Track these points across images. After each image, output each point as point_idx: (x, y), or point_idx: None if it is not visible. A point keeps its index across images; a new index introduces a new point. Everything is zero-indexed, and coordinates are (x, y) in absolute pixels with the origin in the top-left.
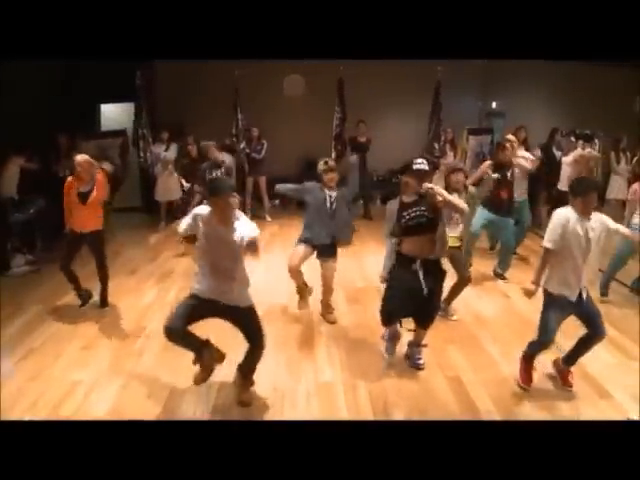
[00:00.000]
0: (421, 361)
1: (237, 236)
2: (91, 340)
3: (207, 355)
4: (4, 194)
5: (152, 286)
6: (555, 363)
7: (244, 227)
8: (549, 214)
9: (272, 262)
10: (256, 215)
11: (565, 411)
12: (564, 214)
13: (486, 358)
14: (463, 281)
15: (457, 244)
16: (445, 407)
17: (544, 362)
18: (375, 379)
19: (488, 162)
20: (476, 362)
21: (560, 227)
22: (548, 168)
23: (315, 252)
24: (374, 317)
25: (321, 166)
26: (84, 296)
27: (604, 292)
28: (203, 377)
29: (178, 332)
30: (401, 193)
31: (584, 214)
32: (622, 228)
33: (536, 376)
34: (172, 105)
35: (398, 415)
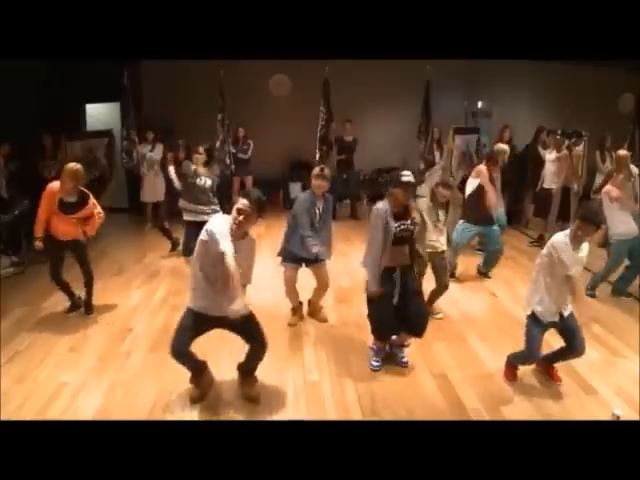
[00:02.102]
0: (405, 359)
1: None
2: (78, 342)
3: (204, 377)
4: None
5: (138, 287)
6: (537, 363)
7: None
8: (534, 213)
9: (258, 263)
10: None
11: (551, 407)
12: (562, 240)
13: (473, 356)
14: (442, 287)
15: (440, 250)
16: (432, 405)
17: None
18: (363, 378)
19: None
20: (463, 360)
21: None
22: (533, 167)
23: (303, 264)
24: (361, 316)
25: (316, 171)
26: (76, 304)
27: (592, 293)
28: (200, 396)
29: (182, 353)
30: (390, 205)
31: (577, 240)
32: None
33: (522, 373)
34: (158, 105)
35: (386, 414)
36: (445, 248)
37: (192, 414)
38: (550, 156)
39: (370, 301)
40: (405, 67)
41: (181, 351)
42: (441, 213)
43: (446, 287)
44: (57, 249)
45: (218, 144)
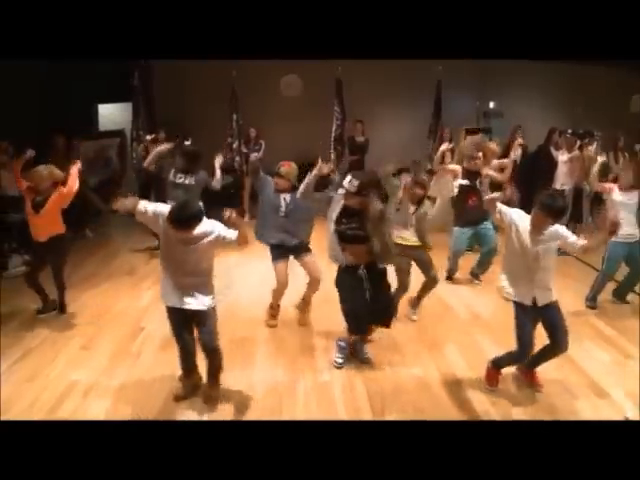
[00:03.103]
0: (368, 355)
1: (209, 236)
2: (89, 340)
3: (192, 379)
4: (2, 193)
5: (149, 287)
6: (518, 367)
7: (217, 226)
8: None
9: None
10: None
11: (562, 410)
12: (517, 215)
13: (484, 356)
14: (431, 281)
15: (417, 244)
16: (442, 405)
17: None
18: (373, 379)
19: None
20: (474, 360)
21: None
22: (546, 167)
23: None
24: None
25: (276, 169)
26: (48, 307)
27: (592, 305)
28: (184, 395)
29: (185, 348)
30: (345, 199)
31: (536, 230)
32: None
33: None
34: (170, 105)
35: (396, 414)
36: (418, 243)
37: (202, 414)
38: (562, 157)
39: (342, 297)
40: (417, 67)
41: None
42: (413, 208)
43: (435, 281)
44: (36, 251)
45: (235, 145)
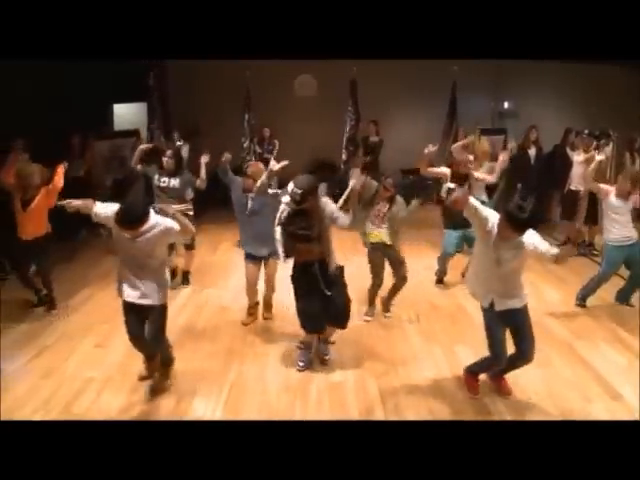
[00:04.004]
0: (328, 356)
1: (154, 229)
2: (104, 338)
3: (154, 362)
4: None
5: None
6: (488, 377)
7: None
8: (561, 215)
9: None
10: None
11: (576, 412)
12: (492, 216)
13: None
14: (400, 281)
15: (388, 242)
16: (455, 407)
17: (560, 366)
18: (386, 379)
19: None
20: None
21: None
22: (561, 168)
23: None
24: (386, 317)
25: (244, 168)
26: (41, 300)
27: (581, 304)
28: (147, 376)
29: (135, 340)
30: (291, 201)
31: (499, 235)
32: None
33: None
34: (184, 105)
35: (409, 415)
36: (390, 242)
37: (215, 412)
38: (578, 158)
39: (296, 295)
40: (432, 68)
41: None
42: (383, 206)
43: (404, 280)
44: (21, 249)
45: (246, 144)
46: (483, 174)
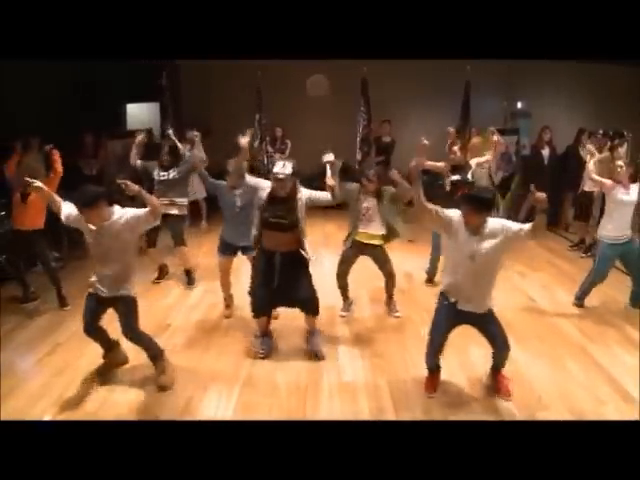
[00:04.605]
0: (317, 348)
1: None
2: (116, 336)
3: (113, 354)
4: None
5: (176, 284)
6: (488, 377)
7: (128, 211)
8: (575, 216)
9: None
10: None
11: (587, 413)
12: (452, 215)
13: (510, 360)
14: (388, 276)
15: (377, 242)
16: (466, 407)
17: (572, 368)
18: (397, 379)
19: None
20: None
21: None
22: (574, 169)
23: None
24: (398, 318)
25: (226, 166)
26: (29, 297)
27: (579, 303)
28: (105, 370)
29: (89, 330)
30: (272, 189)
31: (469, 227)
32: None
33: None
34: (197, 105)
35: (420, 415)
36: (379, 242)
37: (227, 412)
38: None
39: (252, 278)
40: (445, 67)
41: (84, 328)
42: (370, 202)
43: (391, 275)
44: (19, 245)
45: (256, 144)
46: (482, 159)
